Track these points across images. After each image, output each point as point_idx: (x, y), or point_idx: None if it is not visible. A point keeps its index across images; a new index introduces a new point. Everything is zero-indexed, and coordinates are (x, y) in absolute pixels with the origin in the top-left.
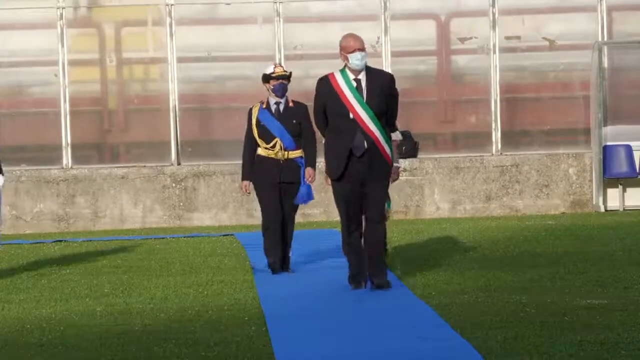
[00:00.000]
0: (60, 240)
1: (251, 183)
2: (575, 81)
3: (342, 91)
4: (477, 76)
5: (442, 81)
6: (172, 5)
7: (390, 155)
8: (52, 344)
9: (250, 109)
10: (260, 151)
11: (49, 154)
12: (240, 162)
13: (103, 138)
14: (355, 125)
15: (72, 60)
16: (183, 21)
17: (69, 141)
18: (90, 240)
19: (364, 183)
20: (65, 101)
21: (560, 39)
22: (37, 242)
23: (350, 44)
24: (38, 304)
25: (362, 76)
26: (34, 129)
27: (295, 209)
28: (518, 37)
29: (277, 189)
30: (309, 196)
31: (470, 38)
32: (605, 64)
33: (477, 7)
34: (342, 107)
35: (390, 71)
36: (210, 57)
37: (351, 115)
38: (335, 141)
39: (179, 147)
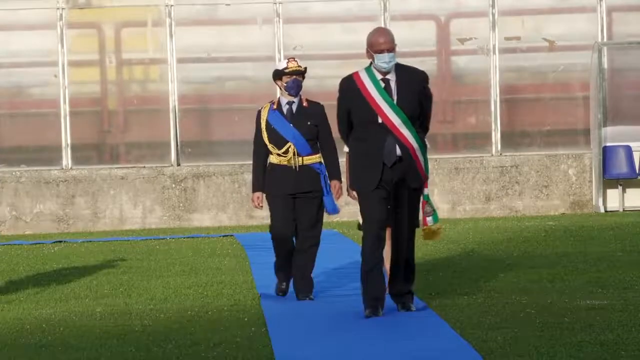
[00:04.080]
0: (60, 241)
1: (264, 194)
2: (575, 82)
3: (368, 93)
4: (477, 77)
5: (441, 82)
6: (171, 6)
7: (424, 165)
8: (51, 344)
9: (259, 111)
10: (272, 158)
11: (48, 154)
12: (241, 163)
13: (103, 139)
14: (385, 131)
15: (72, 61)
16: (183, 22)
17: (69, 142)
18: (90, 241)
19: (394, 196)
20: (65, 102)
21: (560, 40)
22: (37, 243)
23: (379, 42)
24: (38, 305)
25: (392, 75)
26: (34, 129)
27: (315, 226)
28: (518, 38)
29: (290, 200)
30: (335, 206)
31: (470, 39)
32: (605, 64)
33: (477, 7)
34: (369, 111)
35: None
36: (210, 58)
37: (380, 120)
38: (362, 150)
39: (179, 147)
